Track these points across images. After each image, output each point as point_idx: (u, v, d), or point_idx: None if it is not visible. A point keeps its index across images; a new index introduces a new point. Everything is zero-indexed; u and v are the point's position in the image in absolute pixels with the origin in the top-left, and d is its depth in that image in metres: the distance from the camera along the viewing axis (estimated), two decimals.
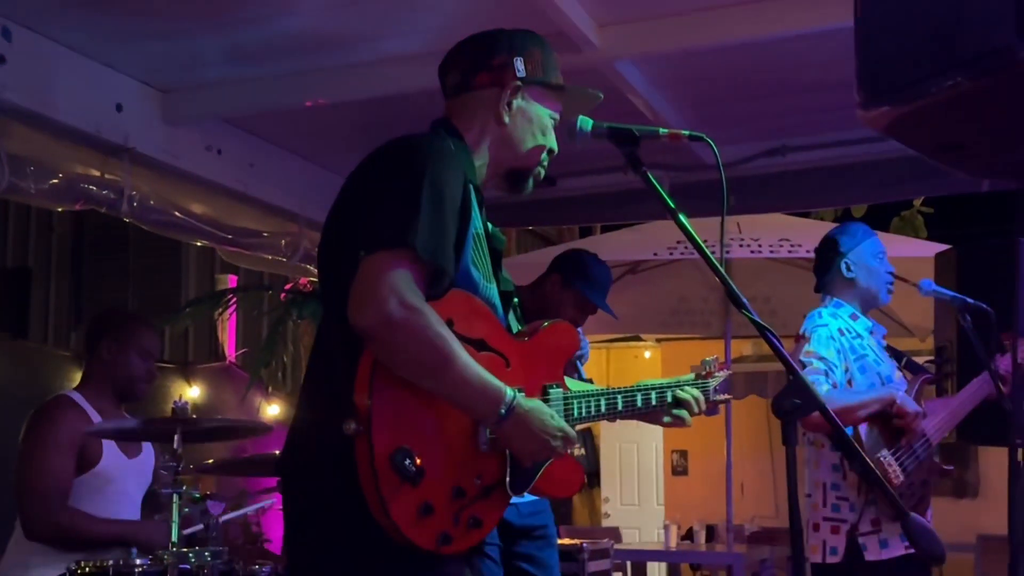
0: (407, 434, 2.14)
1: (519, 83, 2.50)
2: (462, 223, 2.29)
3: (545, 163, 2.58)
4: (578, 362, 3.12)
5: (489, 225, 2.47)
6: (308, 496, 2.27)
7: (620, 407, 2.61)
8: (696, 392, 2.74)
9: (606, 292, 4.37)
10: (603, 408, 2.57)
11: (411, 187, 2.21)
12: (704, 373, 2.85)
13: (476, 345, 2.29)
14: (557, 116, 2.58)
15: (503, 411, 2.20)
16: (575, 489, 2.57)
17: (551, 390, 2.46)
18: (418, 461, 2.12)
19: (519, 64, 2.50)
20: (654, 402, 2.68)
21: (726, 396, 2.87)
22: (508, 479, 2.32)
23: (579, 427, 2.55)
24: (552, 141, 2.57)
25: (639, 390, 2.66)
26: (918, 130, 1.29)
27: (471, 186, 2.36)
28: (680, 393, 2.71)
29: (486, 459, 2.29)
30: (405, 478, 2.10)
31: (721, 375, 2.86)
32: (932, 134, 1.32)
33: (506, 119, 2.49)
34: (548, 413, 2.30)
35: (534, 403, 2.28)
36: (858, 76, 1.29)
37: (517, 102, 2.50)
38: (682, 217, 2.22)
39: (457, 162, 2.36)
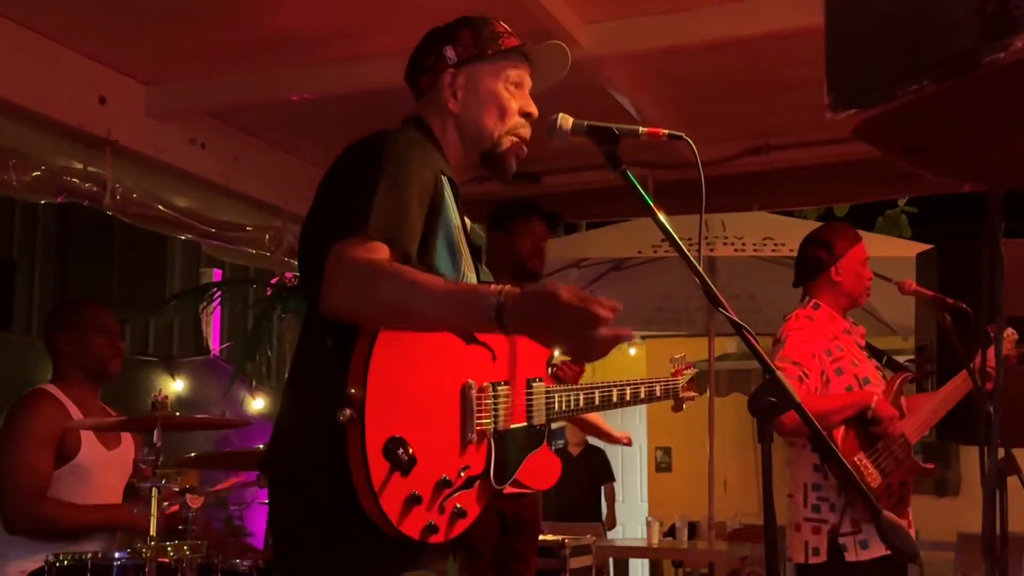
0: (400, 423, 2.15)
1: (453, 70, 2.52)
2: (434, 210, 2.30)
3: (522, 130, 2.55)
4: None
5: (467, 220, 2.49)
6: (293, 487, 2.27)
7: (597, 402, 2.69)
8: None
9: (531, 210, 4.48)
10: (582, 402, 2.64)
11: (370, 176, 2.23)
12: (672, 372, 3.02)
13: (464, 337, 2.31)
14: (521, 77, 2.56)
15: (495, 301, 2.03)
16: (553, 482, 2.60)
17: (534, 384, 2.50)
18: (411, 450, 2.13)
19: (448, 52, 2.53)
20: (628, 398, 2.79)
21: (692, 394, 3.04)
22: (492, 470, 2.35)
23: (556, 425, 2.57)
24: (525, 105, 2.55)
25: (615, 386, 2.74)
26: (885, 133, 1.31)
27: (444, 177, 2.38)
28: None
29: (473, 450, 2.31)
30: (397, 467, 2.11)
31: (689, 373, 3.03)
32: (899, 137, 1.33)
33: (455, 108, 2.51)
34: (539, 291, 2.05)
35: (521, 294, 2.06)
36: (827, 78, 1.31)
37: (460, 87, 2.51)
38: (660, 215, 2.23)
39: (424, 151, 2.38)
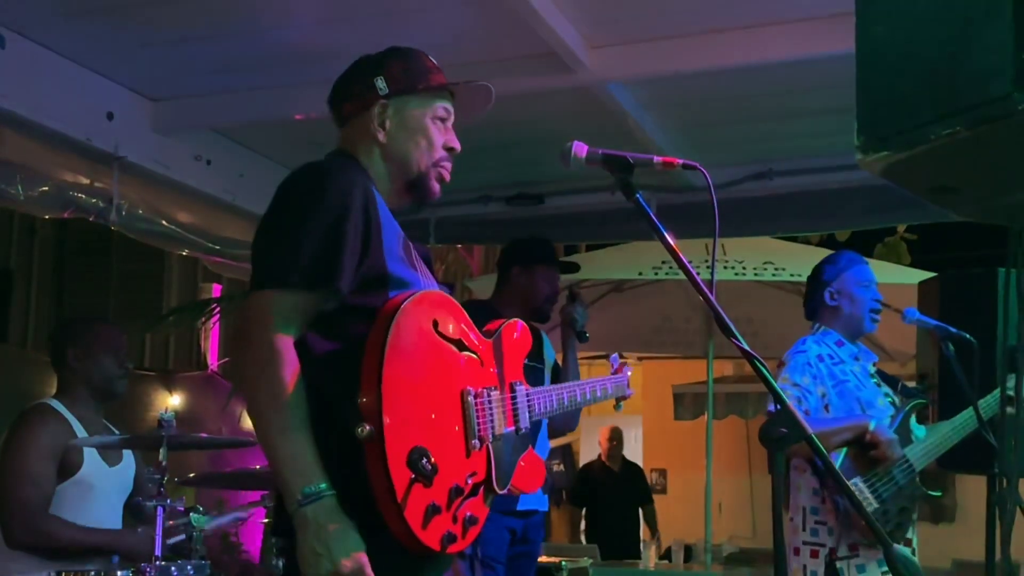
0: (417, 433, 2.17)
1: (384, 101, 2.54)
2: (370, 226, 2.32)
3: (445, 163, 2.60)
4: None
5: (407, 239, 2.52)
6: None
7: (567, 401, 2.85)
8: None
9: (555, 254, 4.73)
10: (555, 403, 2.78)
11: (288, 211, 2.31)
12: (613, 370, 3.29)
13: (456, 345, 2.36)
14: (448, 111, 2.61)
15: (307, 492, 2.10)
16: (540, 484, 2.66)
17: (516, 387, 2.58)
18: (433, 459, 2.15)
19: (379, 83, 2.55)
20: (589, 396, 3.00)
21: (631, 391, 3.33)
22: (493, 474, 2.39)
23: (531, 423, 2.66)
24: (445, 139, 2.59)
25: (577, 386, 2.95)
26: (915, 174, 1.32)
27: (379, 195, 2.42)
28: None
29: (476, 457, 2.35)
30: (421, 477, 2.13)
31: (628, 371, 3.34)
32: (928, 178, 1.34)
33: (382, 138, 2.54)
34: (345, 531, 2.12)
35: (336, 516, 2.12)
36: (858, 121, 1.31)
37: (389, 119, 2.54)
38: (672, 243, 2.25)
39: (352, 173, 2.41)
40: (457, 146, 2.62)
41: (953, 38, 1.20)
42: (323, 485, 2.10)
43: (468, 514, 2.29)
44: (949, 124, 1.18)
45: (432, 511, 2.16)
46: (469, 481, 2.31)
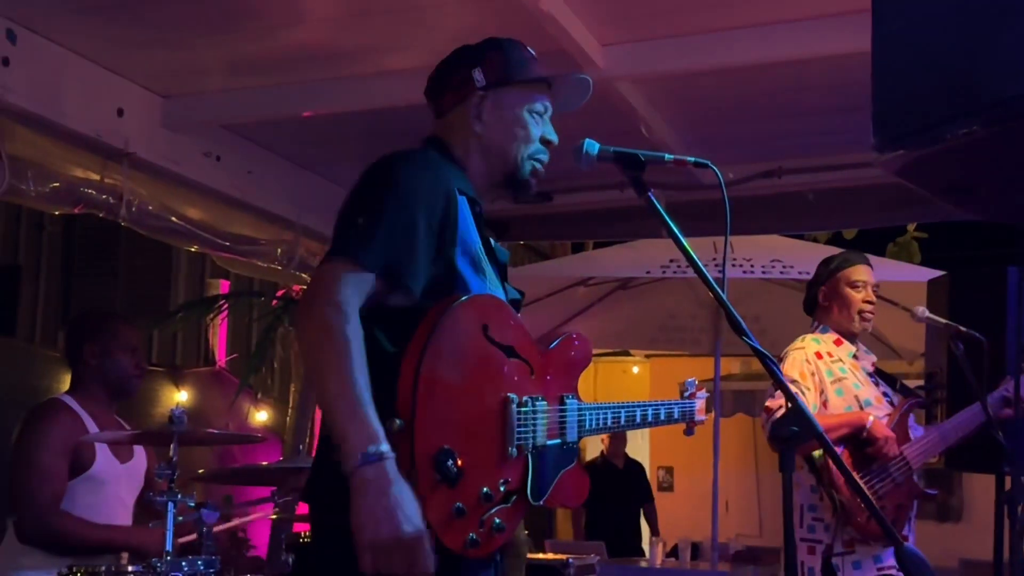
0: (448, 434, 2.16)
1: (482, 92, 2.55)
2: (449, 231, 2.33)
3: (542, 156, 2.61)
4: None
5: (491, 240, 2.52)
6: (336, 499, 2.18)
7: (624, 421, 2.74)
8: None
9: None
10: (610, 421, 2.68)
11: (373, 197, 2.30)
12: (688, 394, 3.07)
13: (506, 351, 2.33)
14: (545, 106, 2.62)
15: (371, 452, 2.04)
16: (583, 499, 2.61)
17: (567, 400, 2.51)
18: (459, 462, 2.14)
19: (477, 75, 2.55)
20: (650, 419, 2.83)
21: (703, 417, 3.10)
22: (529, 485, 2.35)
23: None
24: (546, 132, 2.61)
25: (639, 407, 2.79)
26: (929, 173, 1.31)
27: (463, 197, 2.41)
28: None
29: (512, 464, 2.32)
30: (445, 478, 2.12)
31: (703, 396, 3.11)
32: (943, 178, 1.34)
33: (479, 130, 2.54)
34: (408, 499, 2.05)
35: (399, 482, 2.05)
36: (873, 120, 1.31)
37: (487, 110, 2.55)
38: (684, 242, 2.25)
39: (438, 169, 2.41)
40: (555, 139, 2.62)
41: (970, 36, 1.20)
42: (385, 447, 2.04)
43: (496, 521, 2.25)
44: (966, 123, 1.18)
45: (457, 513, 2.15)
46: (502, 488, 2.28)
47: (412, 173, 2.35)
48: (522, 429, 2.33)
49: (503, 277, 2.54)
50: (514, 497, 2.33)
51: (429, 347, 2.14)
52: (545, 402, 2.41)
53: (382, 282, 2.24)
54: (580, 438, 2.56)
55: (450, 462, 2.12)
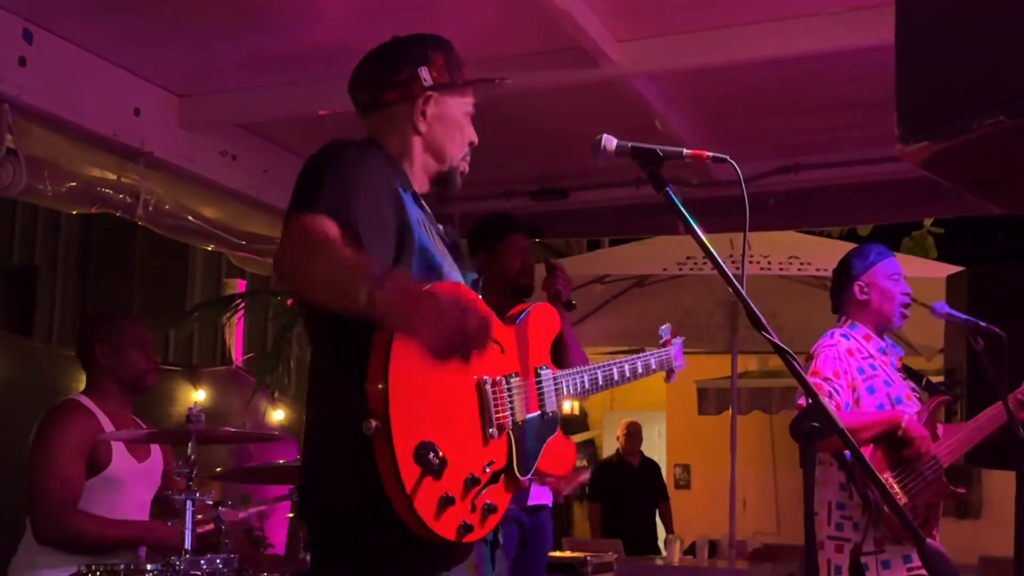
0: (425, 427, 2.18)
1: (429, 93, 2.58)
2: (396, 208, 2.37)
3: (467, 157, 2.66)
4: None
5: (441, 227, 2.58)
6: (326, 501, 2.29)
7: (601, 382, 2.80)
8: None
9: (513, 224, 4.42)
10: (587, 384, 2.74)
11: (317, 166, 2.34)
12: (663, 342, 3.16)
13: None
14: (471, 107, 2.67)
15: (377, 272, 2.07)
16: (571, 466, 2.68)
17: (542, 371, 2.58)
18: (441, 452, 2.17)
19: (424, 74, 2.58)
20: (628, 374, 2.90)
21: (681, 362, 3.20)
22: (515, 461, 2.40)
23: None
24: (470, 134, 2.66)
25: (615, 364, 2.86)
26: (955, 165, 1.30)
27: (407, 193, 2.45)
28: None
29: (494, 444, 2.37)
30: (430, 471, 2.14)
31: (678, 341, 3.19)
32: (969, 169, 1.33)
33: (423, 129, 2.58)
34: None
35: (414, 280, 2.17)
36: (898, 111, 1.30)
37: (430, 110, 2.58)
38: (703, 237, 2.24)
39: (378, 158, 2.46)
40: (476, 140, 2.68)
41: (996, 27, 1.19)
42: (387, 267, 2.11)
43: (487, 503, 2.30)
44: (992, 114, 1.17)
45: (446, 502, 2.18)
46: (487, 470, 2.32)
47: (350, 148, 2.40)
48: (499, 409, 2.38)
49: (457, 257, 2.57)
50: (502, 476, 2.38)
51: (394, 343, 2.15)
52: (519, 377, 2.47)
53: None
54: (559, 405, 2.62)
55: (431, 454, 2.15)
